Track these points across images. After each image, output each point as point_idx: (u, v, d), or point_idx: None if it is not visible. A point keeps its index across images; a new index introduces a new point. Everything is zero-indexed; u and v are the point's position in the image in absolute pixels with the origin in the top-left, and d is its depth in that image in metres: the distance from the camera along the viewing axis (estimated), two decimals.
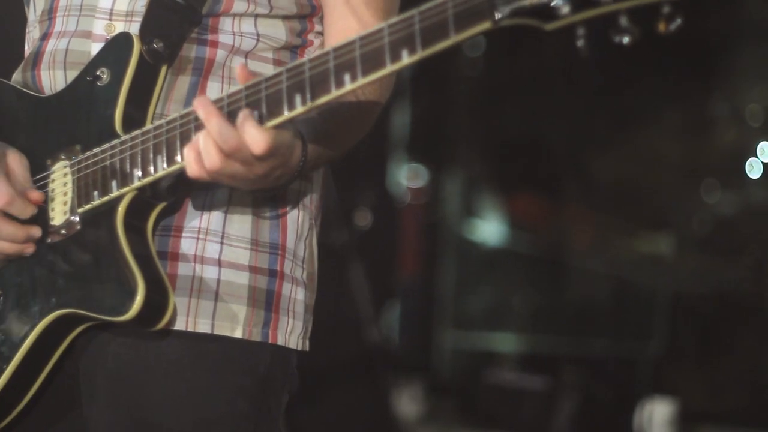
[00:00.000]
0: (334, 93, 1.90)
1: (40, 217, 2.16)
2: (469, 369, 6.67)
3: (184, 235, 2.16)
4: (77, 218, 2.13)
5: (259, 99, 1.95)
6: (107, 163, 2.09)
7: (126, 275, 2.03)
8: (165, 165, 2.02)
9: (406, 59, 1.84)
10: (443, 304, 6.82)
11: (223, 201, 2.17)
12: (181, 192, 2.13)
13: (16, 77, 2.34)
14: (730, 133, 6.46)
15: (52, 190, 2.17)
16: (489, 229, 6.90)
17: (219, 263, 2.16)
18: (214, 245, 2.16)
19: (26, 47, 2.37)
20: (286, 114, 1.92)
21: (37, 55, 2.29)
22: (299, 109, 1.91)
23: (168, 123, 2.03)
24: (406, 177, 6.83)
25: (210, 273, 2.15)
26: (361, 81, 1.88)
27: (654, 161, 6.45)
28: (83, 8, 2.23)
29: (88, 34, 2.22)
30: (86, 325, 2.12)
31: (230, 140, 1.93)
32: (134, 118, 2.12)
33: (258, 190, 2.09)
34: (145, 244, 2.08)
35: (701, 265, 6.24)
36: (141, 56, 2.14)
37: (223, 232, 2.17)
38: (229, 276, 2.16)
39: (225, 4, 2.20)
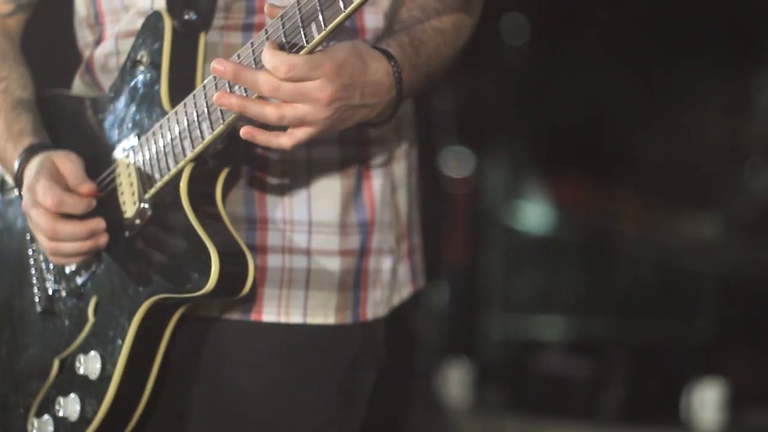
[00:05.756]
0: None
1: (114, 212, 2.12)
2: (515, 354, 6.65)
3: (270, 227, 2.13)
4: (146, 205, 2.08)
5: (296, 21, 1.87)
6: (160, 142, 2.05)
7: (199, 249, 2.00)
8: (211, 129, 1.97)
9: None
10: (490, 289, 6.80)
11: (303, 188, 2.13)
12: (242, 155, 2.08)
13: (77, 83, 2.35)
14: None
15: (120, 184, 2.13)
16: (535, 213, 6.86)
17: (308, 252, 2.14)
18: (302, 235, 2.14)
19: (79, 44, 2.36)
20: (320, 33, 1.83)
21: (91, 60, 2.30)
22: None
23: (205, 87, 1.98)
24: (451, 162, 6.82)
25: (299, 263, 2.14)
26: None
27: (699, 142, 6.38)
28: (128, 9, 2.22)
29: (134, 33, 2.18)
30: (181, 311, 2.08)
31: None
32: (183, 92, 2.06)
33: (366, 122, 1.99)
34: (215, 214, 2.05)
35: (747, 246, 6.17)
36: (174, 30, 2.09)
37: (310, 221, 2.14)
38: (319, 263, 2.14)
39: None
